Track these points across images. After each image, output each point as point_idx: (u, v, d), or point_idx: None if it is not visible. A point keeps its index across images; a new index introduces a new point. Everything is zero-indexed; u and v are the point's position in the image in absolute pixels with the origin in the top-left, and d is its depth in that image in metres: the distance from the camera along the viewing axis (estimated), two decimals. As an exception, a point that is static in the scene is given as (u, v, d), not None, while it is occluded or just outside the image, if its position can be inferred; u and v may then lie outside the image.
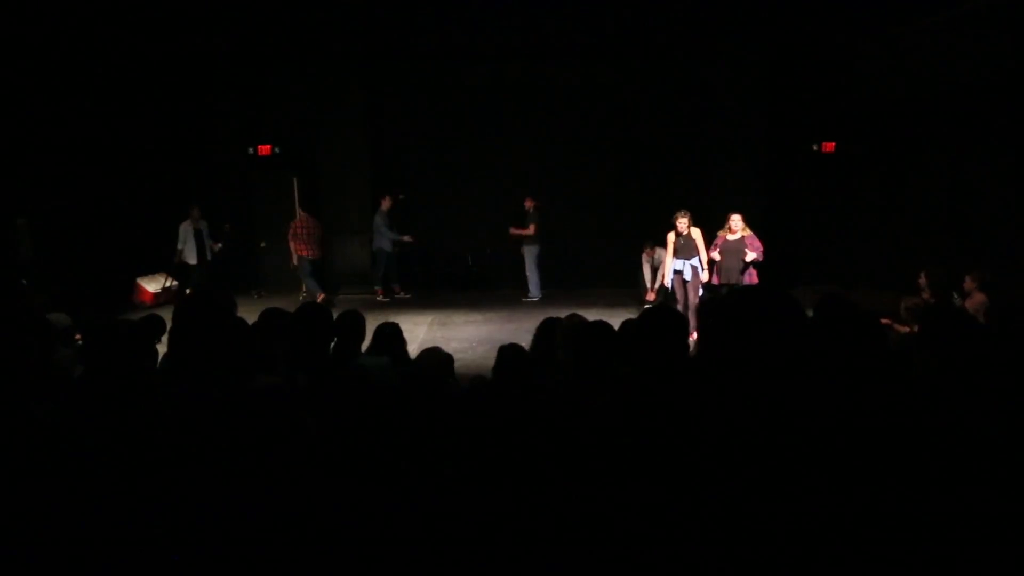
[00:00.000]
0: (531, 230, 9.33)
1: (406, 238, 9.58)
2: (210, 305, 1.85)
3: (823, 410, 1.34)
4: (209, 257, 9.26)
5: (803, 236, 10.22)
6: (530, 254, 9.45)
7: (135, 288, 9.04)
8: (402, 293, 9.91)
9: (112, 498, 1.43)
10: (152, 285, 9.14)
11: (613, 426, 1.64)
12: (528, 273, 9.50)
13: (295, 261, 9.17)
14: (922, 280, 5.34)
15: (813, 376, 1.38)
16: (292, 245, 9.12)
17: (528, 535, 1.47)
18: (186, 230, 9.14)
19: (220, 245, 9.42)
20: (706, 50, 9.82)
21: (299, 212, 9.25)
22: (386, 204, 9.56)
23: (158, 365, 2.95)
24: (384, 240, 9.50)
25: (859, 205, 9.99)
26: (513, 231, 9.47)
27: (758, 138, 10.07)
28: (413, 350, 3.94)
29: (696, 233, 6.99)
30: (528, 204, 9.42)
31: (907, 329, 4.46)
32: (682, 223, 6.96)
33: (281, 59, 9.85)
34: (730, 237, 6.78)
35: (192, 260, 9.12)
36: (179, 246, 9.10)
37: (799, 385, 1.33)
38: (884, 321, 4.37)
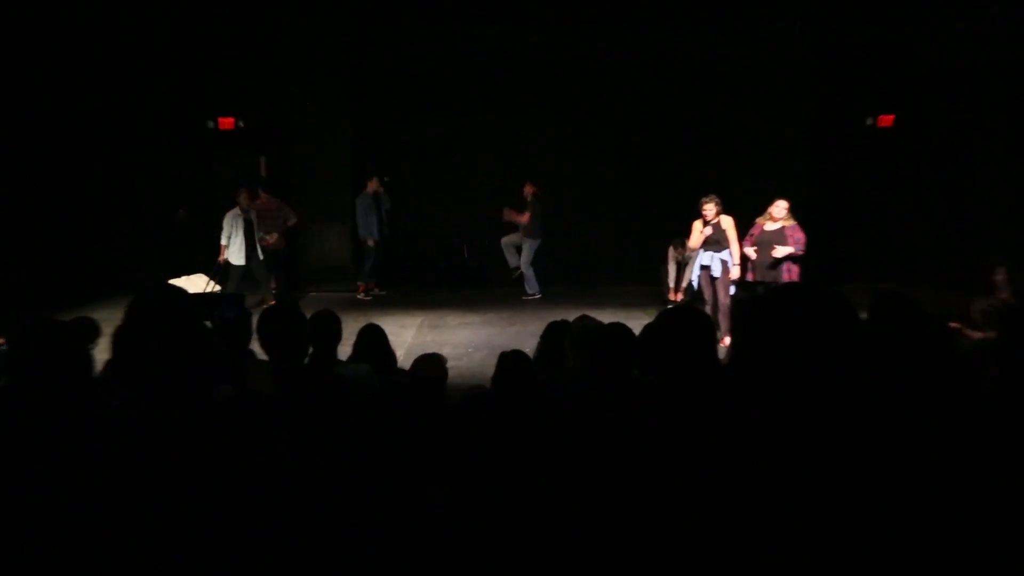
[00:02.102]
0: (525, 218, 9.31)
1: (369, 242, 9.43)
2: (166, 303, 1.85)
3: (880, 432, 1.33)
4: (261, 256, 8.73)
5: (855, 225, 10.19)
6: (528, 248, 9.45)
7: None
8: (377, 290, 9.90)
9: (40, 531, 1.43)
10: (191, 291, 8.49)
11: (631, 446, 1.63)
12: (523, 269, 9.52)
13: (266, 244, 9.03)
14: (999, 277, 5.32)
15: (867, 391, 1.36)
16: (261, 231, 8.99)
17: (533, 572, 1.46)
18: (233, 221, 8.53)
19: (276, 236, 8.92)
20: (738, 4, 9.75)
21: (261, 194, 9.08)
22: (372, 187, 9.52)
23: (97, 373, 2.95)
24: (364, 230, 9.44)
25: (922, 189, 9.95)
26: (509, 215, 9.44)
27: (802, 110, 10.02)
28: (400, 356, 3.94)
29: (727, 222, 6.96)
30: (527, 191, 9.41)
31: (980, 335, 4.44)
32: (709, 209, 6.94)
33: (248, 17, 9.84)
34: (768, 226, 6.75)
35: (238, 260, 8.57)
36: (223, 242, 8.52)
37: (851, 402, 1.31)
38: (953, 325, 4.35)
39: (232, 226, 8.56)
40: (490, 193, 10.32)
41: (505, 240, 9.61)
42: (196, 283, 8.39)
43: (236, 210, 8.60)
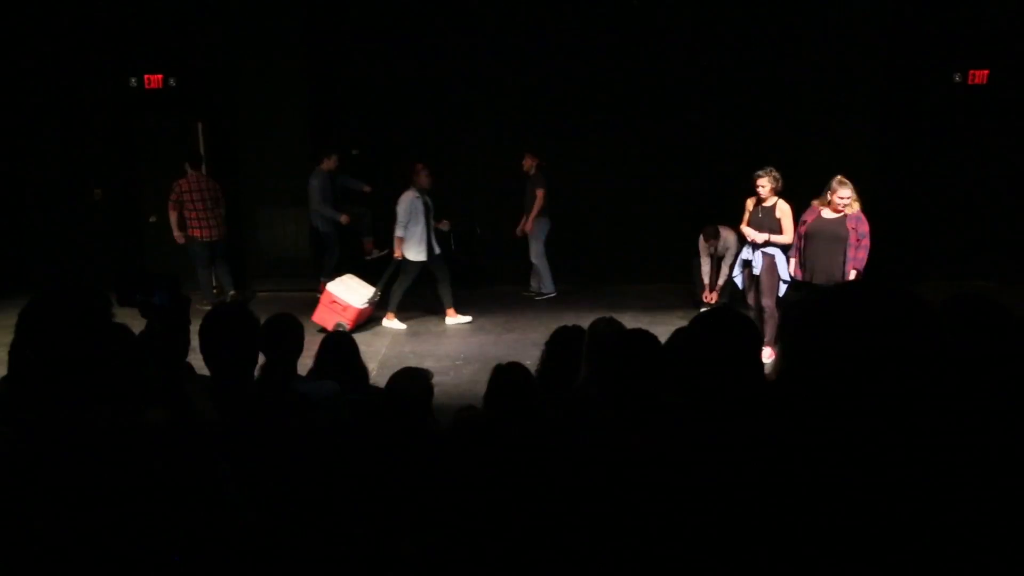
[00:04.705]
0: (540, 199, 9.36)
1: (343, 217, 9.35)
2: (73, 306, 1.87)
3: (964, 467, 1.33)
4: (437, 249, 8.51)
5: (937, 207, 10.16)
6: (540, 232, 9.50)
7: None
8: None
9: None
10: (355, 296, 8.11)
11: (656, 484, 1.65)
12: (536, 260, 9.61)
13: (177, 236, 9.09)
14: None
15: (949, 414, 1.36)
16: (173, 218, 9.04)
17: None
18: (411, 206, 8.21)
19: (445, 222, 8.82)
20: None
21: (188, 170, 9.10)
22: (328, 164, 9.46)
23: None
24: (318, 216, 9.41)
25: (1022, 162, 9.89)
26: (521, 231, 9.59)
27: (874, 65, 9.95)
28: (373, 371, 3.97)
29: (783, 209, 6.96)
30: (528, 163, 9.47)
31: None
32: (763, 185, 6.93)
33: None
34: (826, 214, 6.70)
35: (417, 255, 8.29)
36: (398, 232, 8.22)
37: (930, 428, 1.32)
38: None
39: (410, 213, 8.22)
40: (482, 171, 10.30)
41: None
42: (357, 290, 8.25)
43: (413, 192, 8.27)
